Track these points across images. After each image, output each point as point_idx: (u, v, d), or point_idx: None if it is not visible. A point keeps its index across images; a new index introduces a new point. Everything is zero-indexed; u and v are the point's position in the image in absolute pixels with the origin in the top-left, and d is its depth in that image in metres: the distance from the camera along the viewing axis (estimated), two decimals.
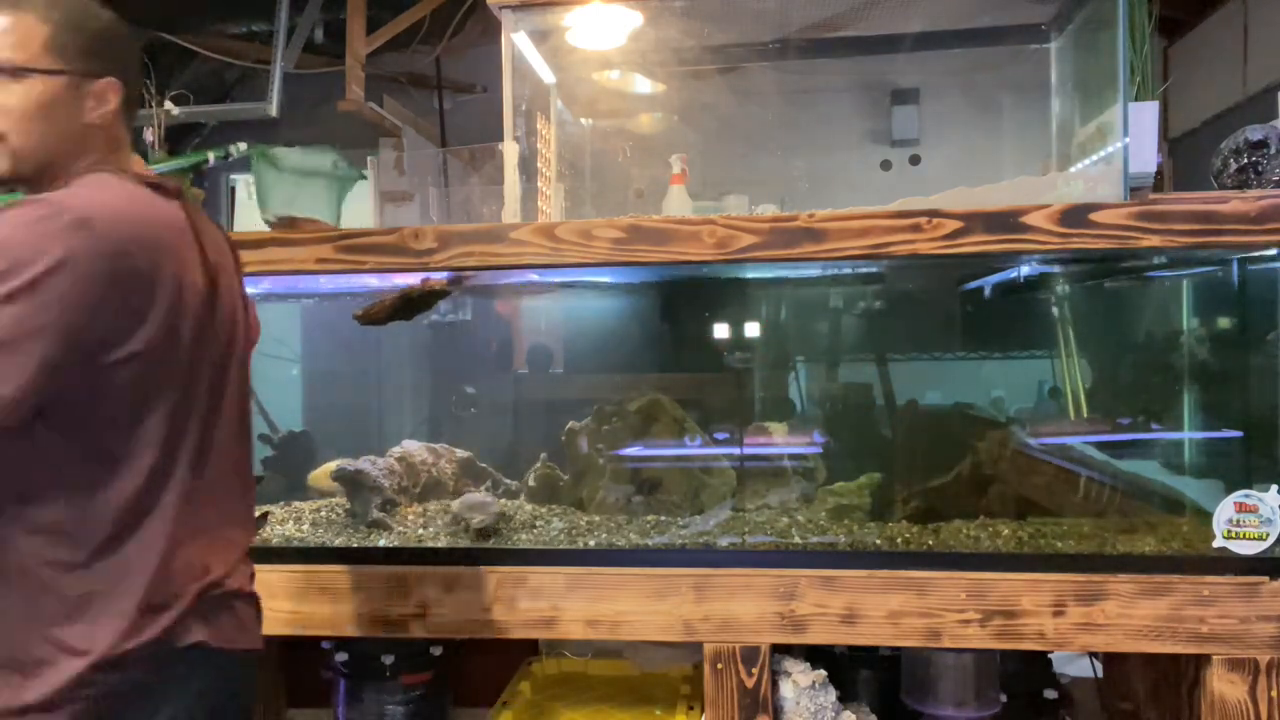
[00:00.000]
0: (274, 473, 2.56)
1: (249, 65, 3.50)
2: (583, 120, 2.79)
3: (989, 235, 1.80)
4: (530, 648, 2.47)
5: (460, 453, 2.53)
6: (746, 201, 2.27)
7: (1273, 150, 1.80)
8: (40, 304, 1.06)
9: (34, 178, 1.22)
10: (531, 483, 2.40)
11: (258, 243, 2.02)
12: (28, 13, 1.18)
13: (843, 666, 2.19)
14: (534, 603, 1.93)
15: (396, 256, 1.95)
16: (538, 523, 2.21)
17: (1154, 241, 1.75)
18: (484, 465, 2.52)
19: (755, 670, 1.86)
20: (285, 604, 2.00)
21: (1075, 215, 1.77)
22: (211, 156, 2.33)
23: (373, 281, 2.18)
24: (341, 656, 2.44)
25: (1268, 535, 1.77)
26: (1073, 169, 2.14)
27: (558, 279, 2.31)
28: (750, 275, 2.24)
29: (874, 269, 2.18)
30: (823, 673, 1.94)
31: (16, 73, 1.17)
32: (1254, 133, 1.82)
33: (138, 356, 1.15)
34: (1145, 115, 1.86)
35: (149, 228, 1.17)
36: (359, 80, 3.26)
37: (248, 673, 1.32)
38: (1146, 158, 1.85)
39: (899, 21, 2.39)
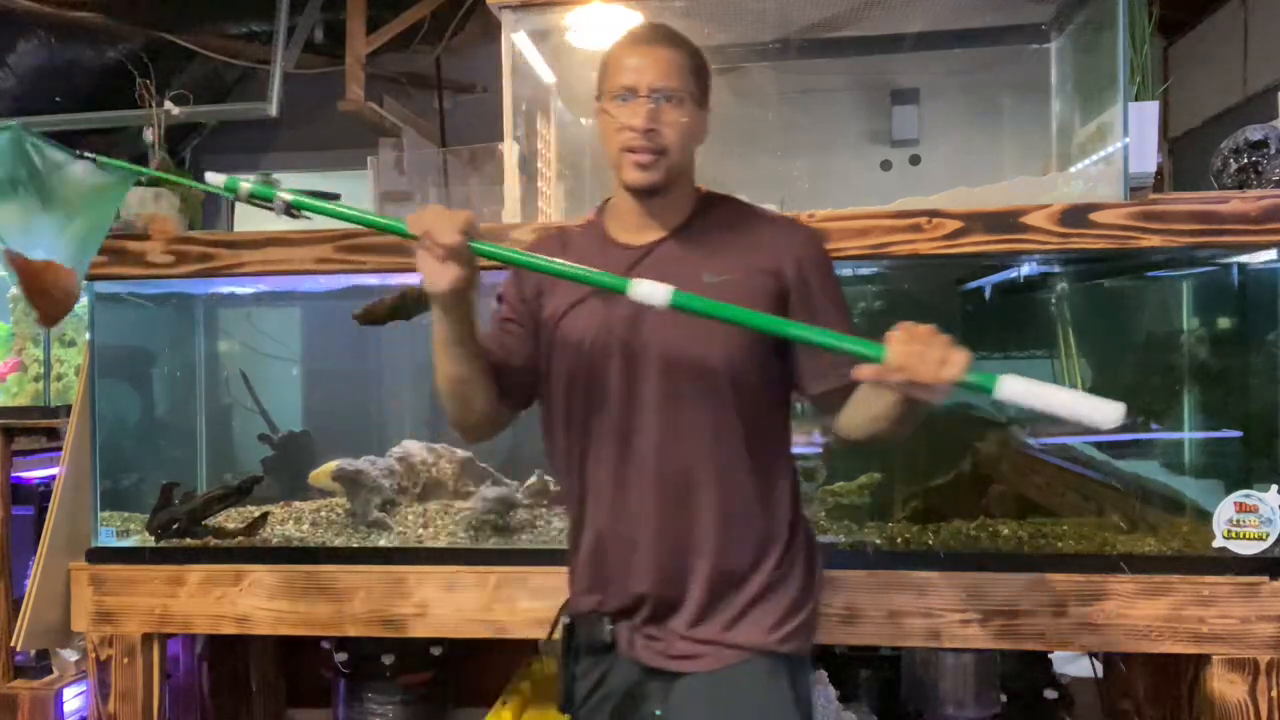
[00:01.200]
0: (274, 473, 2.56)
1: (249, 65, 3.50)
2: (583, 120, 2.79)
3: (989, 235, 1.80)
4: (530, 648, 2.47)
5: (460, 452, 2.53)
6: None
7: (1273, 150, 1.80)
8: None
9: (664, 191, 1.38)
10: (521, 496, 2.33)
11: (257, 243, 2.02)
12: (686, 50, 1.37)
13: (843, 666, 2.19)
14: (534, 603, 1.93)
15: (396, 256, 1.96)
16: (538, 523, 2.21)
17: (1154, 241, 1.75)
18: (484, 465, 2.51)
19: None
20: (285, 604, 2.00)
21: (1075, 215, 1.77)
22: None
23: (371, 280, 2.18)
24: (341, 656, 2.45)
25: (1268, 535, 1.77)
26: (1073, 169, 2.14)
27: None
28: None
29: (874, 269, 2.18)
30: (823, 673, 1.94)
31: (689, 99, 1.35)
32: (1254, 133, 1.82)
33: None
34: (1145, 115, 1.86)
35: None
36: (359, 80, 3.26)
37: None
38: (1146, 158, 1.85)
39: (899, 21, 2.38)
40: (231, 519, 2.30)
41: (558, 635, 1.47)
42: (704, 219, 1.42)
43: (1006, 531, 2.00)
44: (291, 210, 1.29)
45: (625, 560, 1.36)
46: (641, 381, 1.35)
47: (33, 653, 2.35)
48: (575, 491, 1.42)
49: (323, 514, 2.34)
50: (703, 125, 1.40)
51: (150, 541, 2.16)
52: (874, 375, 1.14)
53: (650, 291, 1.22)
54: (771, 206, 2.21)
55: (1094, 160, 2.03)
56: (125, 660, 2.03)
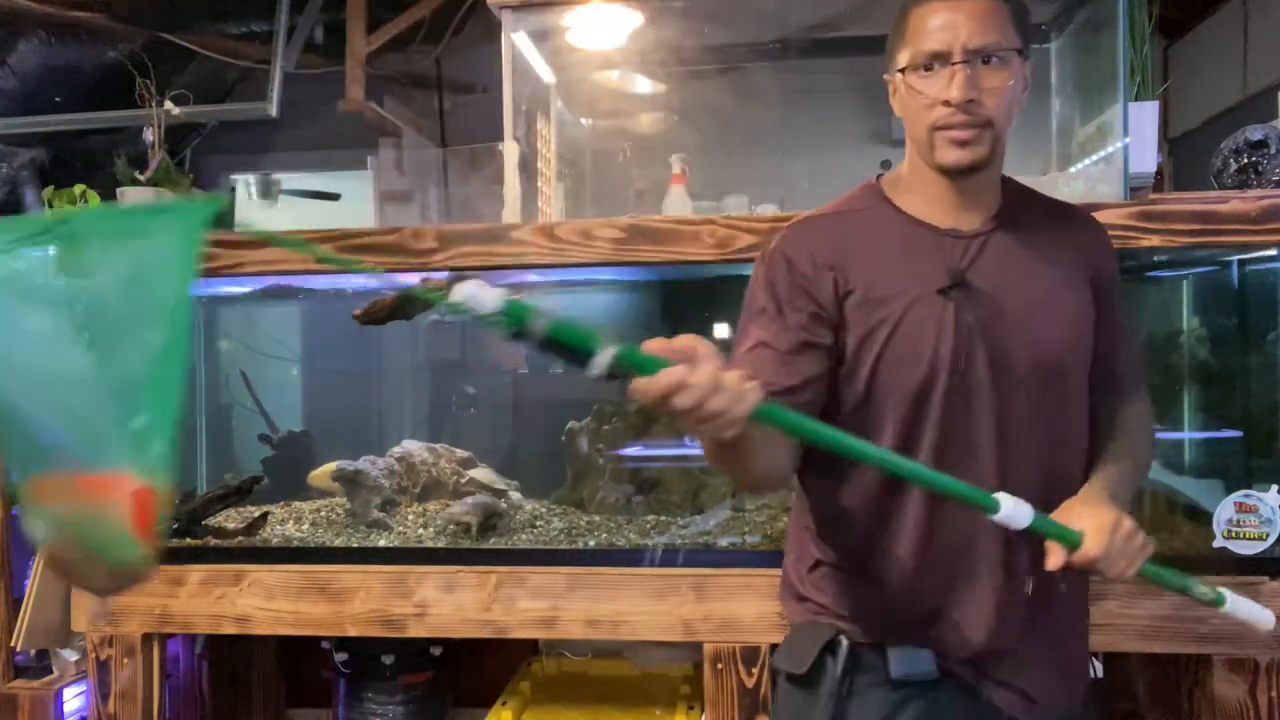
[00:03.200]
0: (274, 473, 2.56)
1: (249, 65, 3.50)
2: (583, 120, 2.79)
3: None
4: (530, 648, 2.47)
5: (460, 452, 2.53)
6: (746, 201, 2.27)
7: (1273, 150, 1.80)
8: None
9: (986, 168, 1.17)
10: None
11: (257, 243, 2.02)
12: None
13: None
14: (534, 603, 1.93)
15: (396, 256, 1.96)
16: (538, 523, 2.21)
17: (1154, 241, 1.75)
18: (484, 465, 2.51)
19: (755, 670, 1.86)
20: (285, 604, 2.00)
21: None
22: None
23: (372, 281, 2.18)
24: (341, 656, 2.44)
25: (1268, 535, 1.77)
26: (1073, 169, 2.14)
27: (558, 279, 2.31)
28: (750, 275, 2.24)
29: None
30: None
31: (1013, 55, 1.13)
32: (1254, 133, 1.82)
33: None
34: (1145, 115, 1.86)
35: None
36: (359, 81, 3.26)
37: None
38: (1146, 158, 1.85)
39: None
40: (231, 519, 2.29)
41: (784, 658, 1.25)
42: (1015, 201, 1.24)
43: None
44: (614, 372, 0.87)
45: (980, 584, 1.18)
46: (1012, 389, 1.16)
47: (33, 653, 2.35)
48: (892, 516, 1.19)
49: (323, 514, 2.34)
50: (1028, 81, 1.18)
51: None
52: (1063, 562, 1.08)
53: (1014, 512, 1.06)
54: (771, 207, 2.22)
55: (1094, 160, 2.03)
56: (125, 660, 2.03)
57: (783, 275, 1.21)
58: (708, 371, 0.85)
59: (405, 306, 2.07)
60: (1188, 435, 2.27)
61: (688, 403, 0.85)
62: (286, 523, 2.28)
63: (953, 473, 1.11)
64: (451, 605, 1.95)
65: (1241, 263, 2.05)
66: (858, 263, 1.19)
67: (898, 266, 1.18)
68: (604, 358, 0.84)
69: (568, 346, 0.85)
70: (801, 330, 1.18)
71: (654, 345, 0.87)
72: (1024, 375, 1.17)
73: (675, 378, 0.84)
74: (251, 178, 4.13)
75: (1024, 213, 1.23)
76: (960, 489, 1.06)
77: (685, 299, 2.49)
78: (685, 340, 0.88)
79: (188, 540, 2.15)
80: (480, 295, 0.81)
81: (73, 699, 2.39)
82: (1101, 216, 1.75)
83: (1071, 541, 1.09)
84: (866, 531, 1.21)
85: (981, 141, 1.13)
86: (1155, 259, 2.07)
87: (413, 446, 2.47)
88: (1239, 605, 1.16)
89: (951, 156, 1.14)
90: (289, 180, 4.17)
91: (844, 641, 1.21)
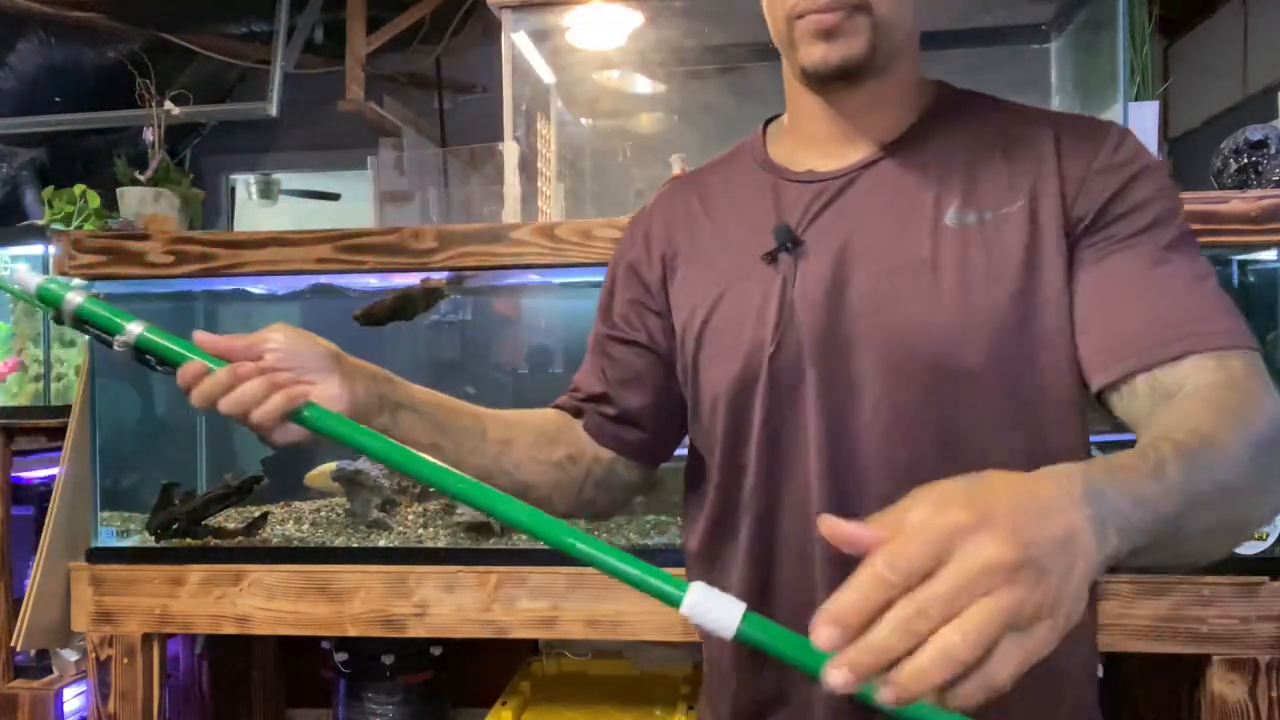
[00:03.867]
0: (274, 473, 2.56)
1: (249, 65, 3.50)
2: (583, 120, 2.79)
3: None
4: (530, 648, 2.47)
5: None
6: None
7: (1273, 150, 1.80)
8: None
9: (871, 76, 0.85)
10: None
11: (257, 243, 2.02)
12: None
13: None
14: (534, 603, 1.93)
15: (396, 256, 1.96)
16: None
17: None
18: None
19: None
20: (285, 604, 2.00)
21: None
22: None
23: (372, 281, 2.18)
24: (341, 656, 2.45)
25: (1268, 535, 1.77)
26: None
27: (558, 279, 2.31)
28: None
29: None
30: None
31: None
32: (1254, 133, 1.82)
33: None
34: (1145, 115, 1.86)
35: None
36: (359, 80, 3.26)
37: None
38: None
39: None
40: (231, 519, 2.30)
41: None
42: (939, 122, 0.88)
43: None
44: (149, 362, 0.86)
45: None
46: (852, 394, 0.81)
47: (33, 653, 2.35)
48: (734, 555, 0.88)
49: (323, 514, 2.34)
50: None
51: (150, 541, 2.16)
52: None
53: (701, 608, 0.64)
54: None
55: None
56: (125, 660, 2.03)
57: (623, 253, 1.00)
58: (229, 370, 0.80)
59: (403, 308, 2.07)
60: None
61: (199, 401, 0.81)
62: (286, 523, 2.28)
63: (778, 518, 0.83)
64: (451, 605, 1.95)
65: (1242, 263, 2.04)
66: (694, 232, 0.94)
67: (731, 231, 0.91)
68: (120, 340, 0.82)
69: (96, 326, 0.84)
70: (619, 323, 0.98)
71: (203, 338, 0.83)
72: (877, 373, 0.81)
73: (190, 372, 0.81)
74: (251, 178, 4.15)
75: (942, 133, 0.87)
76: (637, 576, 0.66)
77: None
78: (263, 333, 0.85)
79: (188, 540, 2.15)
80: (25, 278, 0.84)
81: (73, 699, 2.40)
82: None
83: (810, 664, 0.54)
84: (732, 560, 0.88)
85: (853, 31, 0.81)
86: None
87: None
88: None
89: (815, 53, 0.82)
90: (289, 180, 4.18)
91: None
